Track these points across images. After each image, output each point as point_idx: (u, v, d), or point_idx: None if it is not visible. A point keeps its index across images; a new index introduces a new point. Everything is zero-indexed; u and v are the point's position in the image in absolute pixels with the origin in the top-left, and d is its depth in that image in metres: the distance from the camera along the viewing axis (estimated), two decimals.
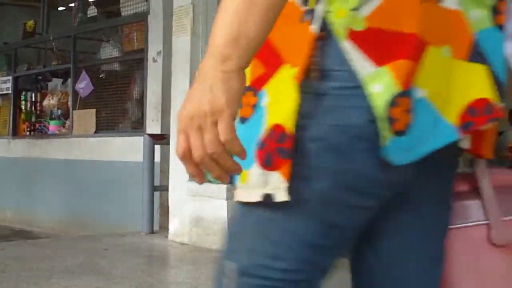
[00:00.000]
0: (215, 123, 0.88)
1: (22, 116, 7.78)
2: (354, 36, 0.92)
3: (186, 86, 4.74)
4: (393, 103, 0.91)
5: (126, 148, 5.96)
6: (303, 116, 0.94)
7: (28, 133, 7.66)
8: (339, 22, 0.93)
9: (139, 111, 6.20)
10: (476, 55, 0.98)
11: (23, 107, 7.77)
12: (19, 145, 7.57)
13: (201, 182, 0.92)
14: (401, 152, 0.93)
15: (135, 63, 6.31)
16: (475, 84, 0.97)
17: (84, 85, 6.61)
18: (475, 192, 1.15)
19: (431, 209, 1.08)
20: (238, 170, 0.92)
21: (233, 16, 0.89)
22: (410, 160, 0.95)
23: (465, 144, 1.04)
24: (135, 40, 6.26)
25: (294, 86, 0.94)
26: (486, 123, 0.97)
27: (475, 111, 0.96)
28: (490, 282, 1.17)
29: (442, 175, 1.08)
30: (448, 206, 1.11)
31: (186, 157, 0.90)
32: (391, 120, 0.91)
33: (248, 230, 1.03)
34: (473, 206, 1.15)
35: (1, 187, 7.52)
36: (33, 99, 7.71)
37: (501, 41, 1.02)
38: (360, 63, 0.92)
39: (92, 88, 6.57)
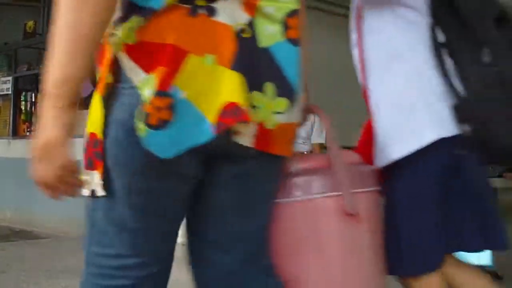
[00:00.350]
0: (52, 153, 1.07)
1: (22, 116, 7.78)
2: (127, 49, 1.10)
3: None
4: (149, 101, 1.06)
5: None
6: (105, 119, 1.13)
7: (28, 133, 7.66)
8: (118, 40, 1.11)
9: None
10: (238, 64, 1.09)
11: (23, 107, 7.77)
12: (19, 145, 7.57)
13: (58, 198, 1.14)
14: (163, 146, 1.06)
15: None
16: (230, 89, 1.08)
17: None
18: (328, 169, 1.33)
19: (243, 188, 1.23)
20: (82, 184, 1.15)
21: (62, 57, 1.06)
22: (174, 153, 1.07)
23: (246, 141, 1.16)
24: None
25: (97, 96, 1.15)
26: (233, 123, 1.09)
27: (226, 113, 1.07)
28: (338, 248, 1.33)
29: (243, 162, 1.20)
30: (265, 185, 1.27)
31: (41, 183, 1.11)
32: (145, 115, 1.05)
33: (88, 221, 1.21)
34: (326, 180, 1.32)
35: (1, 187, 7.52)
36: (33, 100, 7.71)
37: (293, 53, 1.16)
38: (133, 70, 1.09)
39: (92, 88, 6.57)
